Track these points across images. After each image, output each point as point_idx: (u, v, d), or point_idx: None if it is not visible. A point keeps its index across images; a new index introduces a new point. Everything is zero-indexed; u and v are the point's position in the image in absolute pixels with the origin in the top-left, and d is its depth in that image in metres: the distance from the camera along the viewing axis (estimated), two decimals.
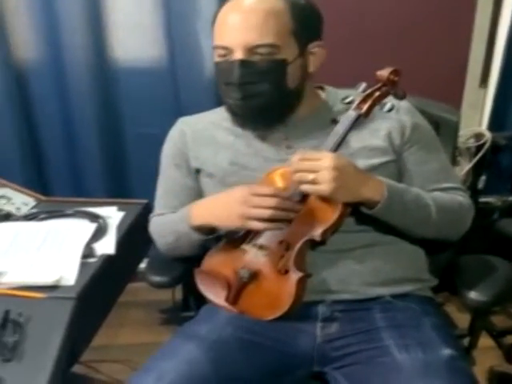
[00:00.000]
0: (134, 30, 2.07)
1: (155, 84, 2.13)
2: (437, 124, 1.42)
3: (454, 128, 1.50)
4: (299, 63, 1.23)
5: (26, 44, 2.07)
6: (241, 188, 1.15)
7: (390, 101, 1.21)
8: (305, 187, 1.10)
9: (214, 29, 1.25)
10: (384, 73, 1.18)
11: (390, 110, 1.21)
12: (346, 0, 2.03)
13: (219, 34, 1.23)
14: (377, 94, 1.19)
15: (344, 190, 1.10)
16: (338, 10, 2.01)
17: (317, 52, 1.26)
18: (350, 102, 1.20)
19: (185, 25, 1.99)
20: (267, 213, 1.10)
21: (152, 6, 2.04)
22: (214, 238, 1.26)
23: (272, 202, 1.10)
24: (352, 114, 1.17)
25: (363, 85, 1.20)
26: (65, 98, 2.13)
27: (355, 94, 1.20)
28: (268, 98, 1.22)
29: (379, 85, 1.19)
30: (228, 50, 1.20)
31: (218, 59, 1.24)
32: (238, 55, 1.18)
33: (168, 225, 1.32)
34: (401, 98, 1.23)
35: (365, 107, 1.17)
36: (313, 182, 1.08)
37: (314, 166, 1.08)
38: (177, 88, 2.11)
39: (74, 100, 2.12)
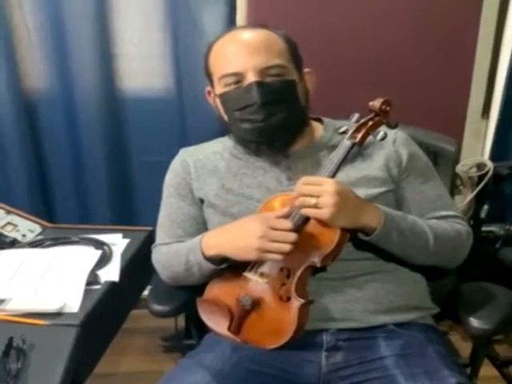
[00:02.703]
0: (142, 61, 2.11)
1: (162, 114, 2.16)
2: (435, 154, 1.44)
3: (452, 158, 1.52)
4: (302, 86, 1.30)
5: (36, 74, 2.11)
6: (257, 220, 1.15)
7: (382, 130, 1.23)
8: (306, 211, 1.11)
9: (214, 62, 1.30)
10: (376, 103, 1.22)
11: (383, 138, 1.23)
12: (346, 32, 2.05)
13: (226, 63, 1.25)
14: (370, 123, 1.22)
15: (344, 216, 1.11)
16: (340, 43, 2.04)
17: (309, 79, 1.33)
18: (345, 132, 1.23)
19: (192, 56, 2.02)
20: (287, 247, 1.10)
21: (160, 37, 2.08)
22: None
23: (292, 236, 1.11)
24: (346, 143, 1.20)
25: (356, 115, 1.23)
26: (73, 127, 2.15)
27: (349, 124, 1.24)
28: (287, 115, 1.24)
29: (372, 115, 1.22)
30: (239, 77, 1.23)
31: (224, 89, 1.26)
32: (252, 77, 1.21)
33: (177, 254, 1.30)
34: (393, 127, 1.26)
35: (359, 136, 1.20)
36: (314, 206, 1.10)
37: (317, 190, 1.10)
38: (183, 118, 2.14)
39: (82, 129, 2.15)
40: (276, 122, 1.23)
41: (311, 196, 1.10)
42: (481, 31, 2.08)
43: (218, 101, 1.31)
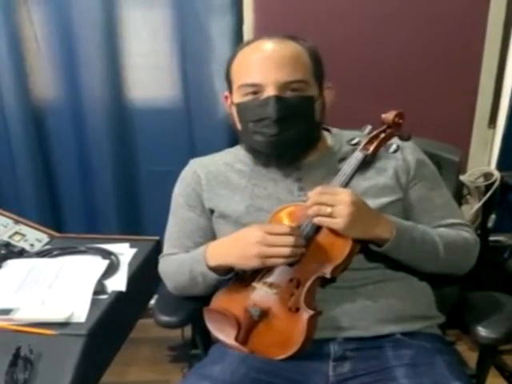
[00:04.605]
0: (150, 72, 2.12)
1: (170, 123, 2.16)
2: (439, 164, 1.44)
3: (456, 168, 1.52)
4: (320, 102, 1.29)
5: (45, 84, 2.13)
6: (255, 228, 1.16)
7: (395, 142, 1.24)
8: (320, 220, 1.12)
9: (236, 70, 1.29)
10: (389, 116, 1.22)
11: (395, 151, 1.24)
12: (352, 43, 2.05)
13: (247, 72, 1.25)
14: (382, 135, 1.22)
15: (357, 227, 1.12)
16: (346, 54, 2.05)
17: (327, 93, 1.32)
18: (357, 144, 1.23)
19: (200, 67, 2.04)
20: (286, 251, 1.11)
21: (168, 48, 2.09)
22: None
23: (289, 239, 1.11)
24: (359, 154, 1.21)
25: (369, 127, 1.24)
26: (81, 136, 2.17)
27: (361, 135, 1.24)
28: (300, 132, 1.25)
29: (384, 127, 1.23)
30: (258, 88, 1.22)
31: (242, 99, 1.26)
32: (271, 92, 1.21)
33: (182, 265, 1.30)
34: (406, 139, 1.26)
35: (371, 148, 1.21)
36: (329, 216, 1.10)
37: (332, 199, 1.10)
38: (191, 127, 2.15)
39: (90, 139, 2.16)
40: (288, 137, 1.24)
41: (326, 205, 1.10)
42: (487, 40, 2.08)
43: (233, 109, 1.31)
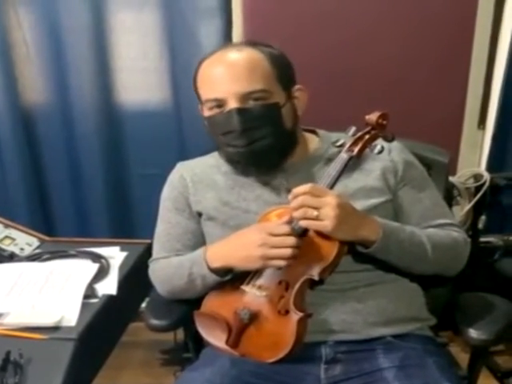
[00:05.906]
0: (139, 75, 2.12)
1: (160, 127, 2.16)
2: (428, 166, 1.45)
3: (445, 170, 1.52)
4: (289, 106, 1.28)
5: (35, 88, 2.13)
6: (256, 229, 1.16)
7: (379, 143, 1.24)
8: (307, 222, 1.11)
9: (200, 85, 1.29)
10: (372, 117, 1.22)
11: (380, 152, 1.23)
12: (341, 46, 2.06)
13: (208, 88, 1.26)
14: (366, 137, 1.22)
15: (344, 229, 1.11)
16: (334, 57, 2.05)
17: (299, 96, 1.31)
18: (342, 145, 1.23)
19: (189, 70, 2.01)
20: (289, 252, 1.11)
21: (157, 52, 2.09)
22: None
23: (290, 240, 1.11)
24: (344, 156, 1.20)
25: (353, 128, 1.23)
26: (71, 140, 2.17)
27: (346, 137, 1.24)
28: (270, 140, 1.24)
29: (368, 128, 1.23)
30: (221, 102, 1.23)
31: (209, 113, 1.27)
32: (233, 104, 1.21)
33: (179, 268, 1.29)
34: (390, 140, 1.27)
35: (356, 149, 1.20)
36: (316, 218, 1.10)
37: (318, 202, 1.10)
38: (180, 131, 2.15)
39: (80, 142, 2.17)
40: (258, 147, 1.24)
41: (313, 207, 1.10)
42: (476, 41, 2.09)
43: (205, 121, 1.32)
